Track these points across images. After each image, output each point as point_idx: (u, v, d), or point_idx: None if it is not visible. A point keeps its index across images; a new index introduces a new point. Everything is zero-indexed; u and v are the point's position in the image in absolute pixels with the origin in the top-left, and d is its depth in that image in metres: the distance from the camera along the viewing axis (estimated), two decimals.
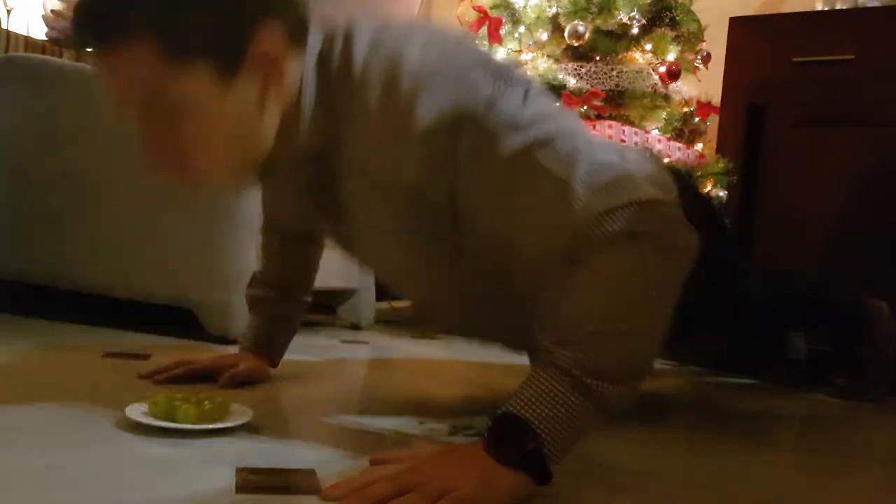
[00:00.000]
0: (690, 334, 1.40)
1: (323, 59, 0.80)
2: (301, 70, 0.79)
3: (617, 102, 2.11)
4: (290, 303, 1.19)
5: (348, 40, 0.78)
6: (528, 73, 2.16)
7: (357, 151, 0.80)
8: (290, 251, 1.18)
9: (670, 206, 0.73)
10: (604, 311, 0.69)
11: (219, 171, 0.81)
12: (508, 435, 0.67)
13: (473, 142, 0.75)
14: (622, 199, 0.70)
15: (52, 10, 2.54)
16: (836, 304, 1.60)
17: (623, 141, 2.03)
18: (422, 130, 0.74)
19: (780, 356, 1.76)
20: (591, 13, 2.11)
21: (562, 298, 0.71)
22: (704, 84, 2.28)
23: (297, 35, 0.78)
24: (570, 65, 2.15)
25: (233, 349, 1.18)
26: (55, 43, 2.59)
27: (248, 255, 1.55)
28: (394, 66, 0.75)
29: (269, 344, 1.18)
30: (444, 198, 0.79)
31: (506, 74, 0.79)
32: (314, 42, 0.81)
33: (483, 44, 2.27)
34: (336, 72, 0.79)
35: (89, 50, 0.77)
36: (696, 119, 2.22)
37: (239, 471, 0.70)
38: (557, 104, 0.81)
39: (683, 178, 1.26)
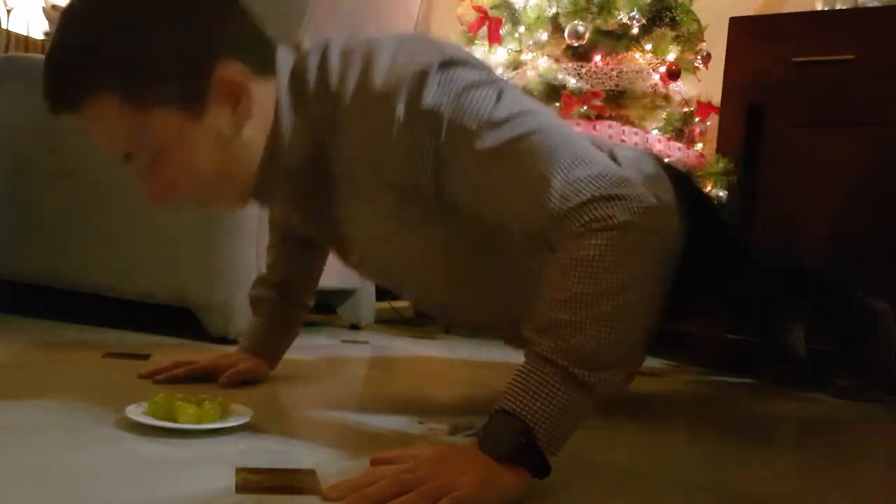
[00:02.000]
0: (690, 310, 1.41)
1: (298, 79, 0.84)
2: (275, 93, 0.84)
3: (617, 102, 2.10)
4: (292, 305, 1.19)
5: (322, 56, 0.83)
6: (527, 72, 2.16)
7: (341, 161, 0.84)
8: (295, 254, 1.19)
9: (647, 195, 0.73)
10: (579, 298, 0.68)
11: (213, 194, 0.86)
12: (502, 431, 0.68)
13: (451, 139, 0.77)
14: (598, 191, 0.71)
15: (52, 5, 2.54)
16: (845, 299, 1.60)
17: (623, 141, 2.03)
18: (401, 132, 0.77)
19: (780, 356, 1.76)
20: (591, 13, 2.11)
21: (541, 287, 0.72)
22: (704, 84, 2.28)
23: (262, 63, 0.83)
24: (570, 65, 2.14)
25: (233, 349, 1.18)
26: None
27: (248, 255, 1.55)
28: (367, 73, 0.78)
29: (268, 345, 1.18)
30: (429, 191, 0.81)
31: (479, 72, 0.80)
32: (285, 64, 0.85)
33: (483, 44, 2.27)
34: (312, 88, 0.83)
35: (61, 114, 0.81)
36: (696, 119, 2.23)
37: (239, 471, 0.70)
38: (532, 101, 0.82)
39: (682, 176, 1.26)
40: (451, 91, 0.77)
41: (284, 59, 0.85)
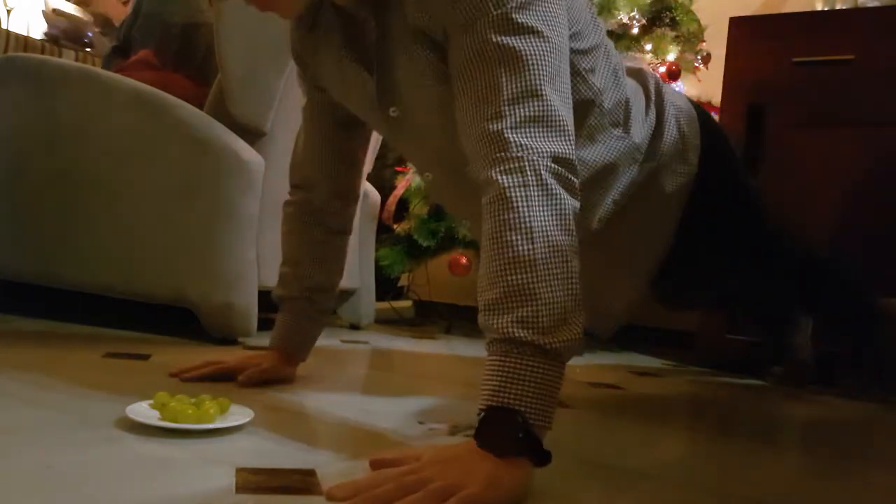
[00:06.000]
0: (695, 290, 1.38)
1: None
2: None
3: None
4: (319, 301, 1.20)
5: None
6: None
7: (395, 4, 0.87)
8: (317, 246, 1.19)
9: (568, 151, 0.77)
10: (503, 267, 0.72)
11: None
12: (496, 426, 0.68)
13: (466, 7, 0.80)
14: (529, 127, 0.75)
15: (53, 9, 2.55)
16: (856, 293, 1.57)
17: None
18: None
19: (782, 356, 1.76)
20: None
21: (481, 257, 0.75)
22: (704, 84, 2.28)
23: None
24: None
25: (233, 349, 1.19)
26: (53, 41, 2.59)
27: (248, 254, 1.55)
28: None
29: (295, 340, 1.19)
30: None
31: None
32: None
33: None
34: None
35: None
36: None
37: (239, 471, 0.70)
38: (553, 18, 0.83)
39: (718, 130, 1.27)
40: None
41: None
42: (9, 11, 2.79)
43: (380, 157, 2.32)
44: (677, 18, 2.16)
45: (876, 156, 1.84)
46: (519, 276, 0.71)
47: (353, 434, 0.92)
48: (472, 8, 0.80)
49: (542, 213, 0.73)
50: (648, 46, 2.15)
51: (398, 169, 2.54)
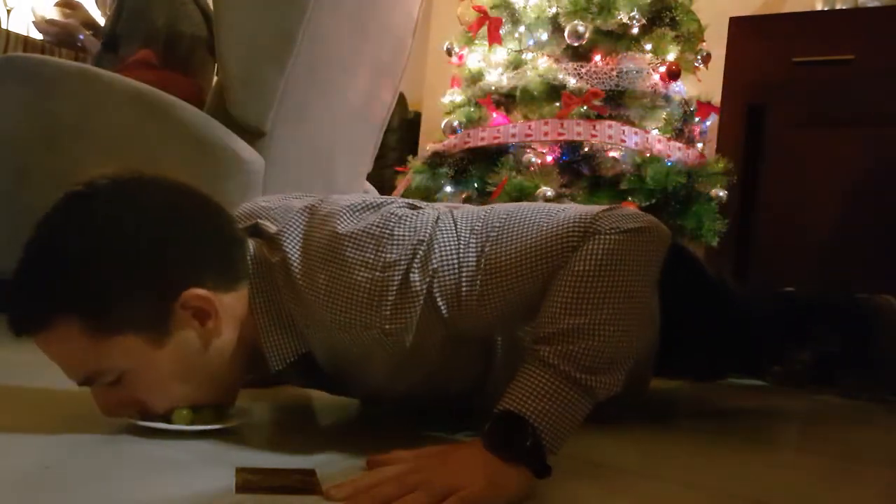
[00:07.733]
0: (689, 365, 1.35)
1: (266, 275, 0.81)
2: (247, 297, 0.81)
3: (617, 102, 2.10)
4: None
5: (282, 255, 0.79)
6: (527, 72, 2.16)
7: (324, 358, 0.82)
8: None
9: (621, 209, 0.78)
10: (577, 304, 0.72)
11: (189, 399, 0.81)
12: (508, 431, 0.69)
13: (450, 304, 0.76)
14: (597, 210, 0.76)
15: (43, 18, 2.56)
16: (840, 310, 1.58)
17: (623, 141, 2.03)
18: (390, 310, 0.75)
19: (784, 355, 1.75)
20: (591, 13, 2.11)
21: (548, 293, 0.75)
22: (704, 84, 2.28)
23: (230, 277, 0.80)
24: (570, 65, 2.15)
25: None
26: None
27: None
28: (338, 268, 0.76)
29: None
30: (436, 351, 0.80)
31: (421, 219, 0.79)
32: (253, 265, 0.82)
33: (483, 44, 2.27)
34: (283, 291, 0.79)
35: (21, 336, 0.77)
36: (696, 119, 2.22)
37: (239, 471, 0.70)
38: (478, 212, 0.82)
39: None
40: (424, 259, 0.76)
41: (252, 263, 0.82)
42: (9, 11, 2.79)
43: (380, 157, 2.32)
44: (677, 18, 2.16)
45: (876, 156, 1.84)
46: (584, 316, 0.71)
47: (353, 434, 0.92)
48: (453, 308, 0.77)
49: (625, 269, 0.73)
50: (648, 46, 2.15)
51: (398, 169, 2.54)
